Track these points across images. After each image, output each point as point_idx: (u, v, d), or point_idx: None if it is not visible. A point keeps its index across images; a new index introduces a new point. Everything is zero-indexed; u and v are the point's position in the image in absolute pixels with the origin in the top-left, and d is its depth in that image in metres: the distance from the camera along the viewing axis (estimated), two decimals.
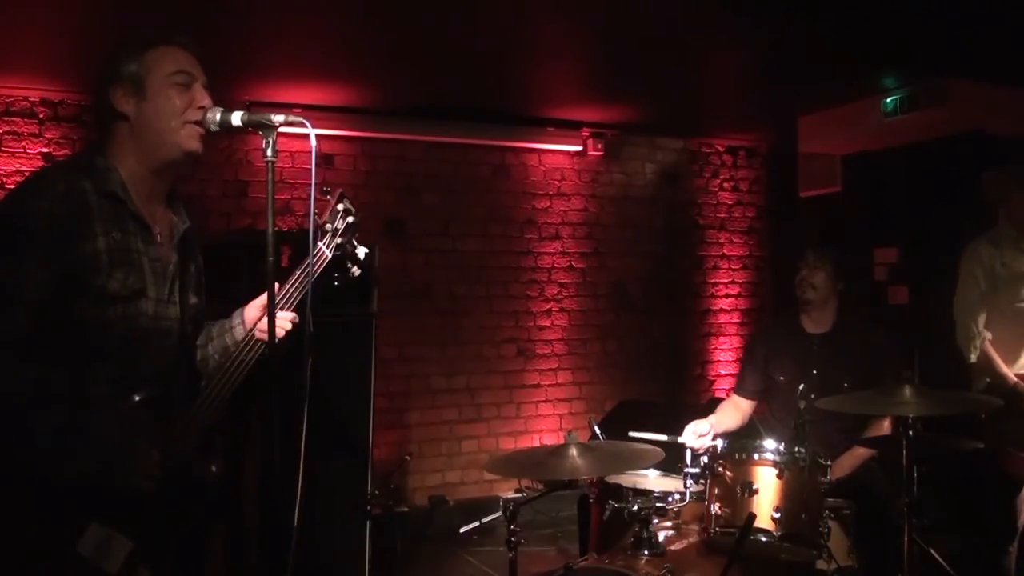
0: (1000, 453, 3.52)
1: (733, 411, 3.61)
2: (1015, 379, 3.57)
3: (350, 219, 2.07)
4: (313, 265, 1.99)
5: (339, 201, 2.07)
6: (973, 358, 3.66)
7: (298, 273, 2.01)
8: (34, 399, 1.71)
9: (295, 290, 2.00)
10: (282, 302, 1.99)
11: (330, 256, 2.04)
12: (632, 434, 3.23)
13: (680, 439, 3.19)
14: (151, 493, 1.76)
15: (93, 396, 1.77)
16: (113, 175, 1.84)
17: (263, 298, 2.02)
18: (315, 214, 1.96)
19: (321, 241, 2.04)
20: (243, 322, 2.06)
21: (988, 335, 3.67)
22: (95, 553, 1.72)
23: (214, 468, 1.90)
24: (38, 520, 1.72)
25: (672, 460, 2.71)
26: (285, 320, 1.99)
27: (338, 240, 2.05)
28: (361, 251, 2.09)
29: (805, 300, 3.52)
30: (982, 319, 3.67)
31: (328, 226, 2.05)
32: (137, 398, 1.81)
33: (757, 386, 3.62)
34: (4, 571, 1.75)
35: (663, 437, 3.18)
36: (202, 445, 1.90)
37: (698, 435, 3.21)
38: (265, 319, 1.91)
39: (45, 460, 1.70)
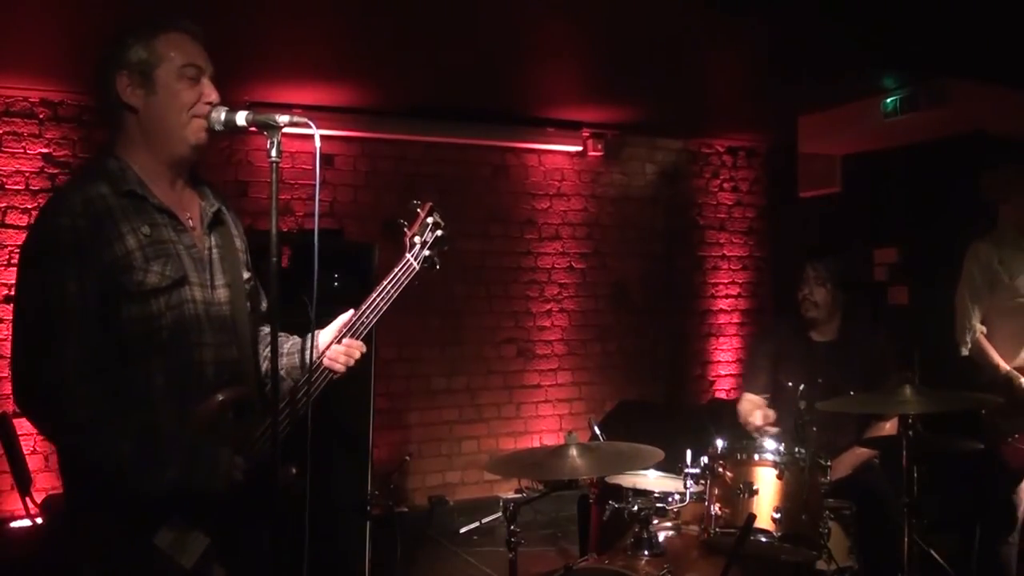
0: (1001, 447, 3.53)
1: (751, 406, 3.54)
2: (1007, 369, 3.60)
3: (439, 232, 2.07)
4: (401, 278, 2.01)
5: (429, 214, 2.08)
6: (965, 351, 3.73)
7: (386, 283, 1.99)
8: (108, 418, 1.70)
9: (381, 300, 1.99)
10: (369, 311, 1.98)
11: (417, 268, 2.04)
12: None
13: (752, 419, 3.25)
14: (230, 495, 1.76)
15: (154, 392, 1.76)
16: (128, 173, 1.81)
17: (339, 321, 2.02)
18: (403, 225, 2.04)
19: (409, 253, 2.04)
20: (316, 346, 2.00)
21: (982, 329, 3.72)
22: (172, 546, 1.72)
23: (294, 470, 1.87)
24: (117, 509, 1.72)
25: (672, 460, 2.71)
26: (355, 350, 1.98)
27: (426, 252, 2.05)
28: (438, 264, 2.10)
29: (809, 318, 3.48)
30: (977, 315, 3.72)
31: (417, 238, 2.05)
32: (220, 398, 1.80)
33: (768, 385, 3.58)
34: (82, 557, 1.76)
35: None
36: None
37: (766, 418, 3.25)
38: (335, 345, 1.96)
39: (133, 476, 1.70)
